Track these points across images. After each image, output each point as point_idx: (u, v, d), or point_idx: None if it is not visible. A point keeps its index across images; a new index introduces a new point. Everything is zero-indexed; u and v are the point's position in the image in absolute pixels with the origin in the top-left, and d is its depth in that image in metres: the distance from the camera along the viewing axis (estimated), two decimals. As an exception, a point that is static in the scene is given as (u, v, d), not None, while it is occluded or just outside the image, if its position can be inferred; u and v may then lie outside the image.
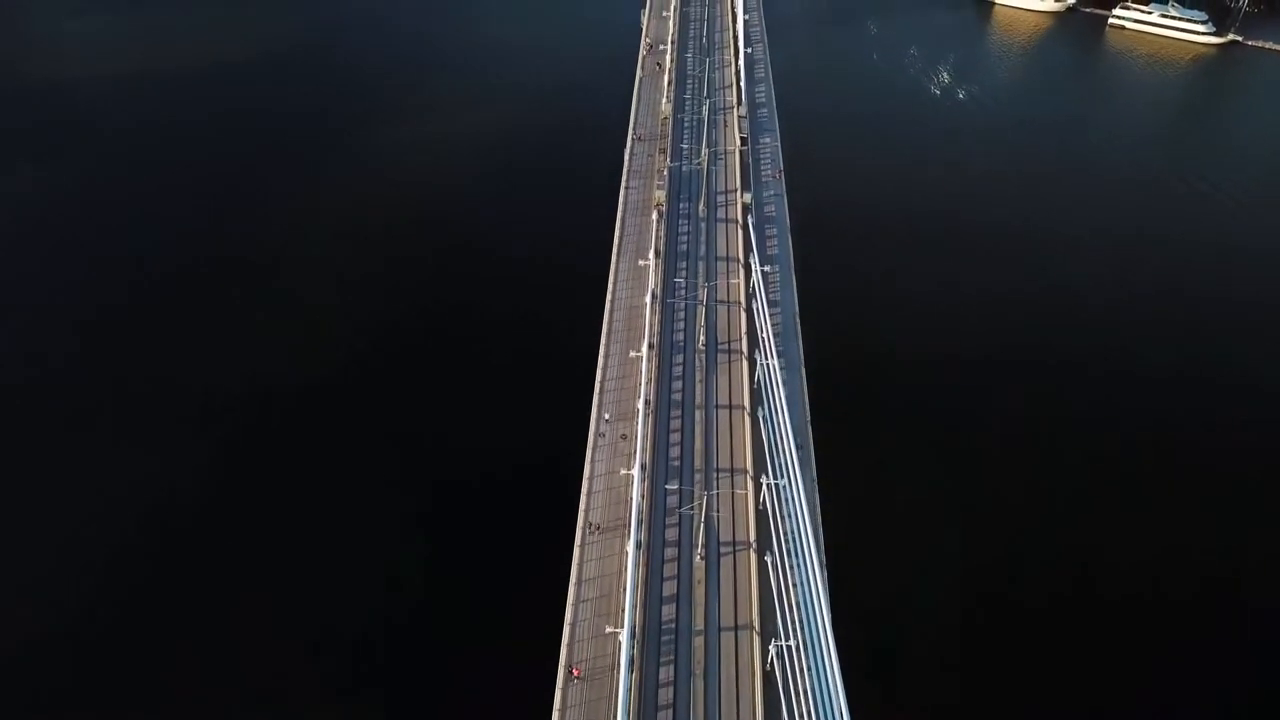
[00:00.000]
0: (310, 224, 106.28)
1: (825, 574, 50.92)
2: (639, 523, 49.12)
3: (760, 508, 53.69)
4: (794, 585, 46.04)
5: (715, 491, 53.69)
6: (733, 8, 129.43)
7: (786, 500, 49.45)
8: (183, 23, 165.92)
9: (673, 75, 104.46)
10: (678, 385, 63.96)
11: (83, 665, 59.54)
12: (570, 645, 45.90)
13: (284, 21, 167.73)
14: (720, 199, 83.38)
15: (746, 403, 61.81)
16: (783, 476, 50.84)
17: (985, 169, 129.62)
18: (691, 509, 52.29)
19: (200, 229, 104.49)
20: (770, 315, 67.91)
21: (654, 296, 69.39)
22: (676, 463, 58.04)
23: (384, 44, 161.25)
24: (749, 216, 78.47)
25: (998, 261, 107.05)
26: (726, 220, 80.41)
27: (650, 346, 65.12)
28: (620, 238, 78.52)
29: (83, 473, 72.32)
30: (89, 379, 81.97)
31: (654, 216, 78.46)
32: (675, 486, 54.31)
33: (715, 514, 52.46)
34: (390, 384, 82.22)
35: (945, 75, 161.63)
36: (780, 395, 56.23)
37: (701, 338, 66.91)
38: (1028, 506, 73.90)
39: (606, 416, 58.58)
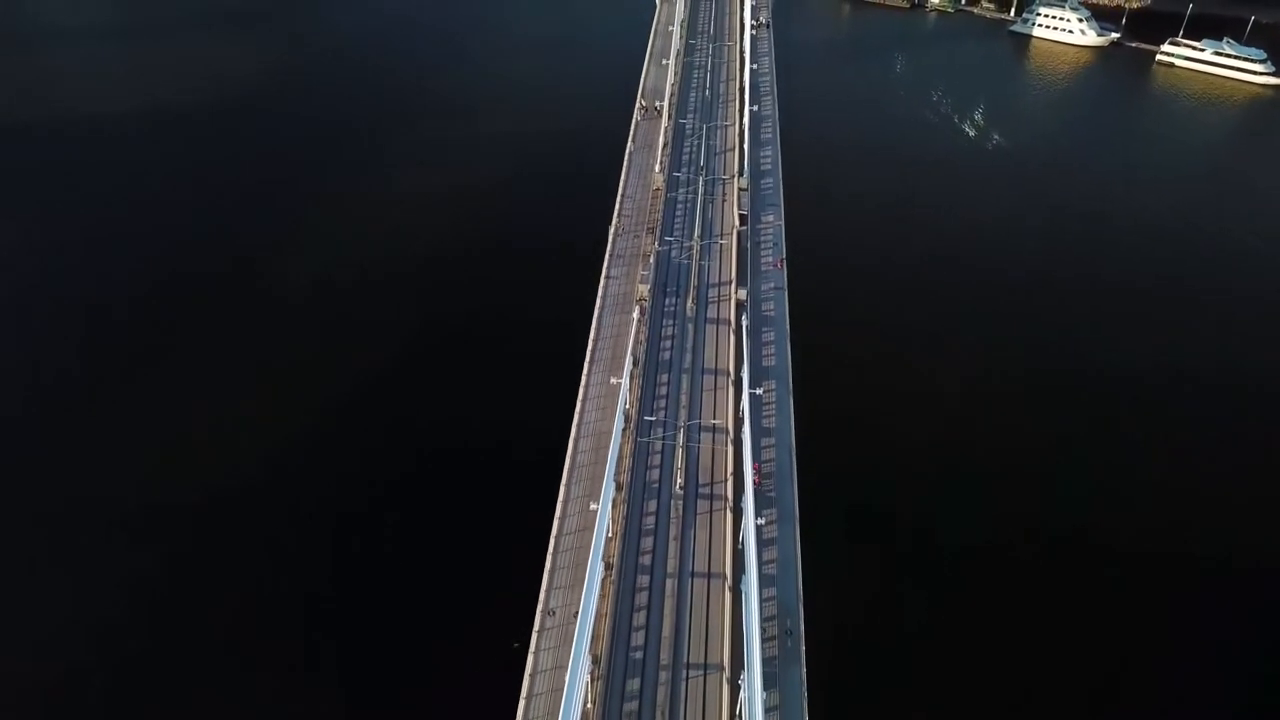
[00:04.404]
0: (244, 299, 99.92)
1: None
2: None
3: (736, 718, 43.33)
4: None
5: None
6: (740, 54, 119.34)
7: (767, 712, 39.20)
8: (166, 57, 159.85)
9: (668, 137, 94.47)
10: (648, 543, 53.63)
11: None
12: None
13: (252, 78, 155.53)
14: (712, 293, 72.95)
15: (728, 570, 51.30)
16: (749, 687, 40.49)
17: (1025, 248, 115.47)
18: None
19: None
20: (762, 451, 57.70)
21: (627, 420, 59.50)
22: (639, 655, 47.75)
23: (352, 87, 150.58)
24: (744, 317, 68.02)
25: (1040, 381, 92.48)
26: (718, 321, 69.90)
27: (618, 488, 55.20)
28: (595, 342, 68.42)
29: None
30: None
31: (635, 314, 68.41)
32: (633, 705, 43.79)
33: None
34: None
35: (977, 123, 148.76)
36: (758, 566, 46.00)
37: (679, 479, 56.50)
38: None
39: (554, 608, 48.38)
